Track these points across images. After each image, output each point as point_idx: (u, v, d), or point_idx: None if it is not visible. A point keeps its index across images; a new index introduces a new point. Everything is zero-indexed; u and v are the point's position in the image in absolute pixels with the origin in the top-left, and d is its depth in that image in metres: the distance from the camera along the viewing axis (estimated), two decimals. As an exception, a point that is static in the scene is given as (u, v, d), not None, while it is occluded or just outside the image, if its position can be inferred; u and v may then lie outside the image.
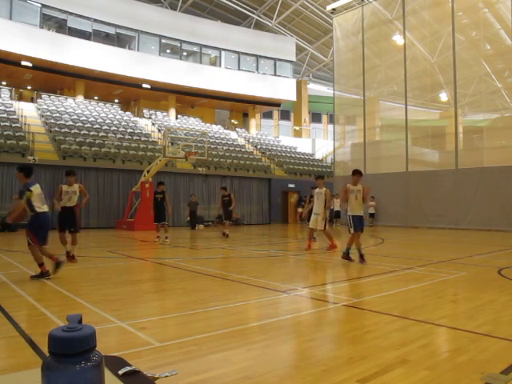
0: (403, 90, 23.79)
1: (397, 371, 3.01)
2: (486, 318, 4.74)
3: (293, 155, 33.28)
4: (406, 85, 23.68)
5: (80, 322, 0.83)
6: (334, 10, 27.56)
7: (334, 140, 28.84)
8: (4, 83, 27.42)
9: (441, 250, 11.89)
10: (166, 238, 13.85)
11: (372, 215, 23.84)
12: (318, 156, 36.22)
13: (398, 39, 25.01)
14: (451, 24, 21.85)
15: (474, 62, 21.91)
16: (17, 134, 20.81)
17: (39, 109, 25.51)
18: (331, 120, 34.33)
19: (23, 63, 24.68)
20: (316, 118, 44.31)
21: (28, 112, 24.31)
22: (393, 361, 3.20)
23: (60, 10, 25.95)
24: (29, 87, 29.41)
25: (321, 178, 11.60)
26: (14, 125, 21.86)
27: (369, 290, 6.23)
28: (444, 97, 24.48)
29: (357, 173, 9.22)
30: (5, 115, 22.70)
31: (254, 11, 34.27)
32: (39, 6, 25.23)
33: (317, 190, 11.35)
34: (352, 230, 9.01)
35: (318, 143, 38.82)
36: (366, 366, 3.09)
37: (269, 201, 27.87)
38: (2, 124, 21.34)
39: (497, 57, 21.93)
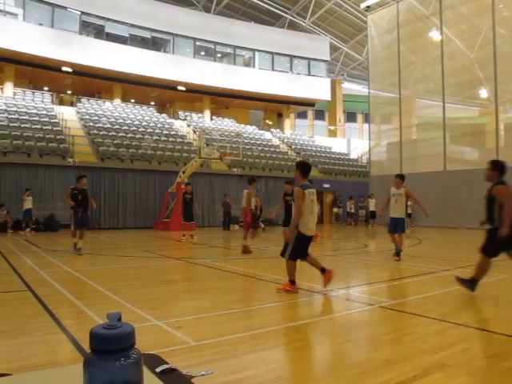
0: (440, 87, 23.21)
1: (436, 375, 2.94)
2: (529, 322, 4.58)
3: (328, 155, 33.00)
4: (444, 82, 23.09)
5: (119, 320, 0.86)
6: (368, 7, 27.20)
7: (369, 139, 28.44)
8: (46, 89, 28.35)
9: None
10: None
11: (409, 215, 23.34)
12: (354, 156, 35.79)
13: (435, 35, 24.41)
14: (491, 17, 21.15)
15: (516, 57, 21.17)
16: (58, 137, 21.47)
17: (78, 112, 26.25)
18: (366, 119, 33.88)
19: (63, 69, 25.47)
20: (351, 117, 43.80)
21: (68, 116, 25.04)
22: (432, 364, 3.14)
23: (98, 17, 26.65)
24: (69, 92, 30.30)
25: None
26: (55, 128, 22.58)
27: (406, 291, 6.11)
28: (484, 93, 23.74)
29: (397, 176, 9.64)
30: (47, 119, 23.48)
31: (288, 11, 34.18)
32: (79, 13, 25.98)
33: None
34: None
35: (353, 143, 38.35)
36: (404, 370, 3.04)
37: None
38: (44, 128, 22.08)
39: (540, 50, 21.12)
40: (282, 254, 5.97)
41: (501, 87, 21.32)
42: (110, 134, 23.88)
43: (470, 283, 5.69)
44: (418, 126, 26.54)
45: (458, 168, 22.52)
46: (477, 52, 22.67)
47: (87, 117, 25.62)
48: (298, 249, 5.85)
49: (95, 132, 23.75)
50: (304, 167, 6.15)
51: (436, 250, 12.32)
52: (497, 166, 5.75)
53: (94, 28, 27.32)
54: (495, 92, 21.24)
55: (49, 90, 28.14)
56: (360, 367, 3.12)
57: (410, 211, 23.24)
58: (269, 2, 32.84)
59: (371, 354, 3.52)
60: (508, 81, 21.46)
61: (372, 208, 23.94)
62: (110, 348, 0.80)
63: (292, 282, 5.75)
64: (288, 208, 10.19)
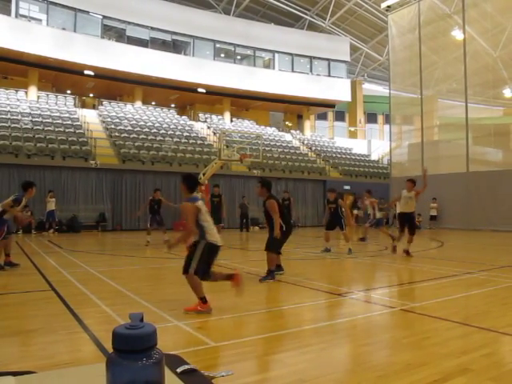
0: (463, 87, 22.84)
1: (458, 380, 2.90)
2: (555, 327, 4.47)
3: (348, 156, 32.78)
4: (466, 81, 22.72)
5: (141, 320, 0.87)
6: (388, 7, 26.93)
7: (390, 140, 28.14)
8: (69, 92, 28.85)
9: (505, 254, 11.33)
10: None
11: (434, 217, 23.07)
12: (374, 157, 35.46)
13: (458, 34, 24.03)
14: (516, 15, 20.77)
15: (542, 56, 20.72)
16: (80, 139, 21.81)
17: (100, 115, 26.63)
18: (387, 120, 33.52)
19: (86, 72, 25.89)
20: (371, 118, 43.43)
21: (90, 118, 25.42)
22: (453, 369, 3.09)
23: (119, 20, 27.03)
24: (91, 95, 30.77)
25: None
26: (77, 131, 22.95)
27: (427, 294, 6.03)
28: (508, 93, 23.28)
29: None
30: (69, 122, 23.88)
31: (307, 12, 34.10)
32: (100, 17, 26.38)
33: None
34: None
35: (373, 144, 37.99)
36: (425, 374, 3.00)
37: (324, 203, 27.57)
38: (67, 130, 22.46)
39: None
40: (185, 271, 5.02)
41: (526, 86, 20.90)
42: (131, 136, 24.16)
43: None
44: (439, 126, 26.17)
45: (482, 169, 22.12)
46: (501, 51, 22.25)
47: (109, 119, 25.98)
48: (204, 261, 5.09)
49: (117, 134, 24.06)
50: (190, 180, 5.35)
51: (458, 253, 12.12)
52: None
53: (115, 32, 27.72)
54: (520, 91, 20.83)
55: (71, 94, 28.62)
56: (380, 370, 3.10)
57: (434, 213, 23.05)
58: (288, 3, 32.81)
59: (391, 357, 3.49)
60: (533, 80, 21.03)
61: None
62: (133, 348, 0.81)
63: (203, 299, 4.93)
64: (331, 214, 11.55)
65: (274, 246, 7.27)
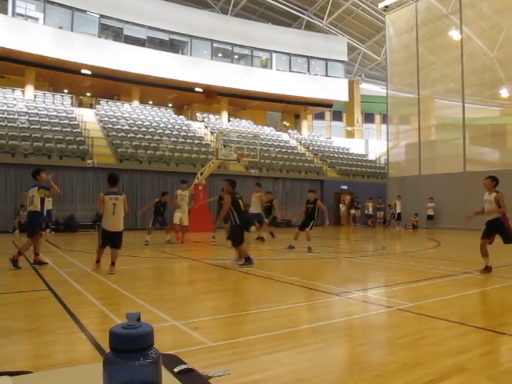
0: (460, 87, 22.89)
1: (455, 379, 2.91)
2: (552, 326, 4.49)
3: (345, 156, 32.82)
4: (463, 82, 22.77)
5: (138, 320, 0.87)
6: (386, 7, 26.97)
7: (387, 140, 28.19)
8: (65, 91, 28.78)
9: (502, 254, 11.34)
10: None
11: (431, 217, 23.13)
12: (371, 157, 35.52)
13: (455, 34, 24.08)
14: (513, 16, 20.83)
15: (538, 56, 20.77)
16: (77, 138, 21.76)
17: (98, 114, 26.58)
18: (384, 120, 33.60)
19: (83, 71, 25.84)
20: (369, 118, 43.48)
21: (87, 118, 25.37)
22: (450, 368, 3.10)
23: (117, 20, 26.98)
24: (88, 94, 30.70)
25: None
26: (74, 130, 22.89)
27: (424, 294, 6.05)
28: (505, 93, 23.31)
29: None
30: (66, 121, 23.83)
31: (305, 12, 34.11)
32: (98, 16, 26.33)
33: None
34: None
35: (371, 144, 38.05)
36: (422, 373, 3.01)
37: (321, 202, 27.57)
38: (64, 130, 22.41)
39: None
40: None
41: (522, 87, 20.95)
42: (129, 135, 24.13)
43: None
44: (436, 126, 26.22)
45: (478, 169, 22.15)
46: (498, 51, 22.30)
47: (106, 119, 25.93)
48: (102, 239, 7.95)
49: (114, 134, 24.01)
50: (109, 178, 8.03)
51: (456, 252, 12.16)
52: None
53: (112, 31, 27.68)
54: (517, 92, 20.88)
55: (68, 93, 28.56)
56: (377, 370, 3.10)
57: (431, 213, 23.12)
58: (286, 3, 32.82)
59: (388, 356, 3.50)
60: (530, 80, 21.08)
61: (398, 210, 23.75)
62: (130, 347, 0.81)
63: (97, 259, 8.02)
64: (307, 214, 12.03)
65: (234, 239, 8.77)
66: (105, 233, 7.88)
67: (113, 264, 7.66)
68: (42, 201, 8.20)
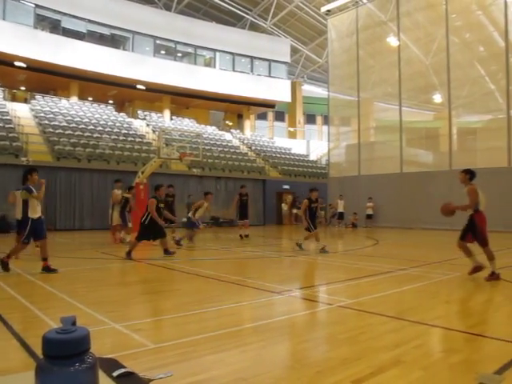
0: (397, 91, 23.86)
1: (391, 372, 3.02)
2: (479, 319, 4.77)
3: (287, 156, 33.30)
4: (401, 86, 23.75)
5: (74, 323, 0.83)
6: (328, 11, 27.62)
7: (328, 141, 28.88)
8: (-3, 84, 27.32)
9: (435, 250, 11.93)
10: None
11: (370, 216, 23.91)
12: (313, 157, 36.26)
13: (393, 41, 25.07)
14: (445, 26, 21.94)
15: (468, 64, 22.00)
16: (10, 135, 20.70)
17: (33, 110, 25.40)
18: (326, 121, 34.38)
19: (17, 64, 24.57)
20: (310, 119, 44.37)
21: (22, 113, 24.19)
22: (387, 362, 3.21)
23: (54, 11, 25.87)
24: (22, 88, 29.26)
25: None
26: (7, 126, 21.74)
27: (363, 290, 6.24)
28: (438, 98, 24.55)
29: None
30: (-2, 116, 22.61)
31: (249, 12, 34.29)
32: (33, 6, 25.14)
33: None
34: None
35: (312, 144, 38.86)
36: (361, 367, 3.10)
37: (263, 202, 27.85)
38: (-4, 125, 21.25)
39: (490, 59, 22.00)
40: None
41: (453, 93, 22.13)
42: (67, 132, 23.23)
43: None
44: (375, 128, 27.16)
45: (414, 170, 23.19)
46: (432, 58, 23.44)
47: (42, 114, 24.82)
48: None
49: (51, 130, 23.04)
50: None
51: (393, 250, 12.64)
52: None
53: (49, 22, 26.50)
54: (448, 97, 22.03)
55: (0, 86, 27.09)
56: (318, 366, 3.16)
57: (370, 212, 23.91)
58: (230, 3, 32.85)
59: (329, 352, 3.57)
60: (460, 87, 22.30)
61: (341, 209, 24.29)
62: (64, 353, 0.77)
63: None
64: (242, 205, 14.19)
65: (139, 236, 10.06)
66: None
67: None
68: (26, 204, 7.49)
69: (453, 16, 22.33)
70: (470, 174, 7.21)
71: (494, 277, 6.77)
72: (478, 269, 6.95)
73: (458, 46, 22.65)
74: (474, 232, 7.08)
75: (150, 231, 10.03)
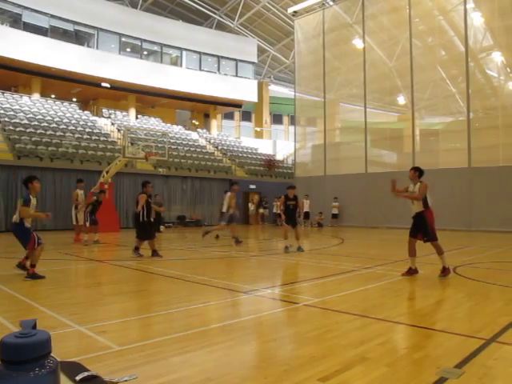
0: (363, 92, 24.27)
1: (356, 369, 3.06)
2: (441, 315, 4.91)
3: (254, 156, 33.36)
4: (365, 88, 24.17)
5: (34, 327, 0.80)
6: (295, 12, 27.84)
7: (294, 141, 29.10)
8: (-47, 79, 26.26)
9: (399, 249, 12.19)
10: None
11: (335, 216, 24.22)
12: (279, 157, 36.44)
13: (358, 43, 25.49)
14: (408, 30, 22.47)
15: (430, 67, 22.61)
16: (-32, 132, 19.98)
17: (-8, 107, 24.56)
18: (292, 121, 34.63)
19: (-26, 59, 23.73)
20: (277, 119, 44.59)
21: (-20, 110, 23.36)
22: (353, 359, 3.26)
23: (14, 4, 25.03)
24: (-19, 84, 28.27)
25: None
26: (-36, 123, 20.97)
27: (329, 289, 6.31)
28: (402, 100, 25.13)
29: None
30: (-45, 113, 21.75)
31: (216, 12, 34.15)
32: (-8, -1, 24.30)
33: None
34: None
35: (279, 144, 39.04)
36: (327, 365, 3.13)
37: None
38: (-48, 122, 20.44)
39: (451, 62, 22.68)
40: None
41: (417, 95, 22.70)
42: (28, 130, 22.56)
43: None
44: (341, 129, 27.55)
45: (379, 170, 23.64)
46: (396, 61, 23.97)
47: (2, 111, 24.01)
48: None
49: (11, 128, 22.32)
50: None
51: (358, 249, 12.84)
52: None
53: (9, 16, 25.61)
54: (412, 99, 22.57)
55: (-42, 82, 26.10)
56: (285, 365, 3.18)
57: (336, 212, 24.23)
58: (197, 1, 32.64)
59: (296, 351, 3.60)
60: (423, 89, 22.90)
61: (306, 209, 24.46)
62: (23, 358, 0.74)
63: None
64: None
65: (138, 235, 10.27)
66: None
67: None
68: (22, 220, 7.47)
69: (416, 20, 22.90)
70: (418, 172, 7.52)
71: (446, 272, 7.07)
72: (413, 271, 7.28)
73: (421, 49, 23.25)
74: (424, 230, 7.24)
75: (150, 228, 10.43)
